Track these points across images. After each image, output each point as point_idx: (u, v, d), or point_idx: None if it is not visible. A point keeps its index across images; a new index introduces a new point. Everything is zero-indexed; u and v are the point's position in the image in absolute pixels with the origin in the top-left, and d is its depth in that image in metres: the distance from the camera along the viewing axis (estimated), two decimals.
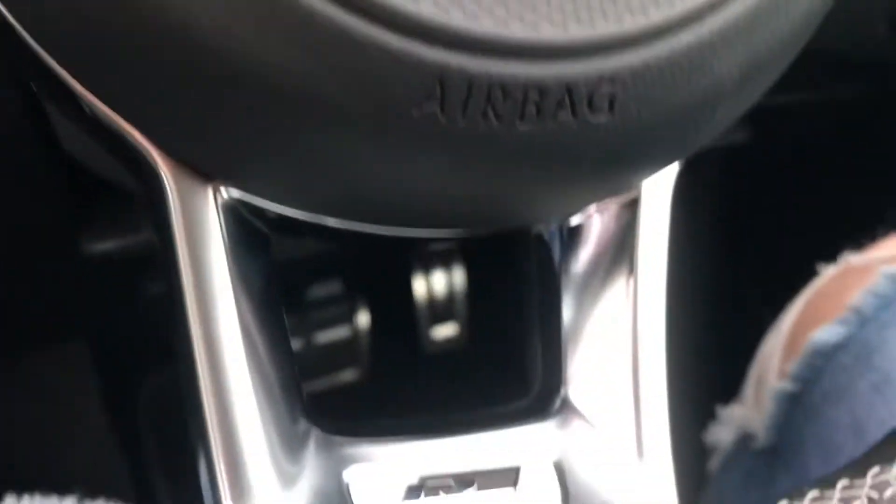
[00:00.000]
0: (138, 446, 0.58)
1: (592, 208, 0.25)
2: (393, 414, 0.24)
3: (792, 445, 0.41)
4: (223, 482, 0.20)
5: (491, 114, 0.18)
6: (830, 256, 0.45)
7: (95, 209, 0.46)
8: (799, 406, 0.41)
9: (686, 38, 0.19)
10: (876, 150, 0.59)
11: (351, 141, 0.18)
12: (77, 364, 0.57)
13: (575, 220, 0.26)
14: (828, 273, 0.44)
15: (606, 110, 0.19)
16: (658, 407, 0.24)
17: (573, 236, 0.26)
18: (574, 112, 0.18)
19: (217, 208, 0.22)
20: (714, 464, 0.48)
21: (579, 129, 0.19)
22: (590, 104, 0.18)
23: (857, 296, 0.40)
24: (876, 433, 0.35)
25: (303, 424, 0.23)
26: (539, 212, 0.23)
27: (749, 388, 0.46)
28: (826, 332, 0.40)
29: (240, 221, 0.22)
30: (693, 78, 0.19)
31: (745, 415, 0.45)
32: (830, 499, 0.26)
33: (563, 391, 0.25)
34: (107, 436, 0.58)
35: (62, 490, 0.34)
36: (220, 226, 0.22)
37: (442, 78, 0.17)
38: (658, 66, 0.19)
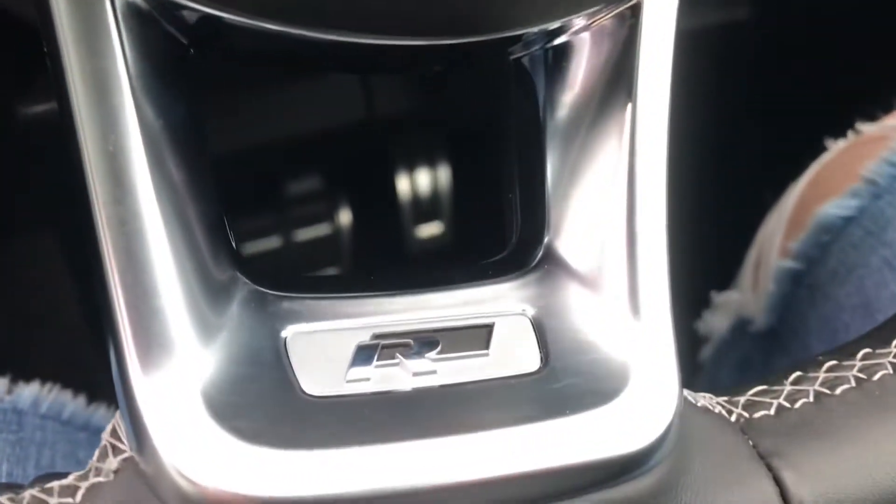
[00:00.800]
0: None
1: (581, 22, 0.21)
2: (344, 269, 0.21)
3: (793, 327, 0.38)
4: (125, 331, 0.16)
5: None
6: (839, 133, 0.42)
7: (29, 73, 0.41)
8: (802, 285, 0.38)
9: None
10: (886, 23, 0.55)
11: None
12: (49, 253, 0.54)
13: (561, 40, 0.21)
14: (837, 146, 0.41)
15: None
16: (656, 259, 0.21)
17: (559, 60, 0.22)
18: None
19: (115, 8, 0.17)
20: (707, 353, 0.45)
21: None
22: None
23: (871, 165, 0.37)
24: (887, 311, 0.32)
25: (229, 272, 0.19)
26: (516, 11, 0.18)
27: (747, 271, 0.42)
28: (835, 206, 0.37)
29: (147, 27, 0.18)
30: None
31: (742, 299, 0.42)
32: (850, 368, 0.23)
33: (545, 242, 0.21)
34: (80, 327, 0.55)
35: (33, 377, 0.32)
36: (119, 31, 0.17)
37: None
38: None
